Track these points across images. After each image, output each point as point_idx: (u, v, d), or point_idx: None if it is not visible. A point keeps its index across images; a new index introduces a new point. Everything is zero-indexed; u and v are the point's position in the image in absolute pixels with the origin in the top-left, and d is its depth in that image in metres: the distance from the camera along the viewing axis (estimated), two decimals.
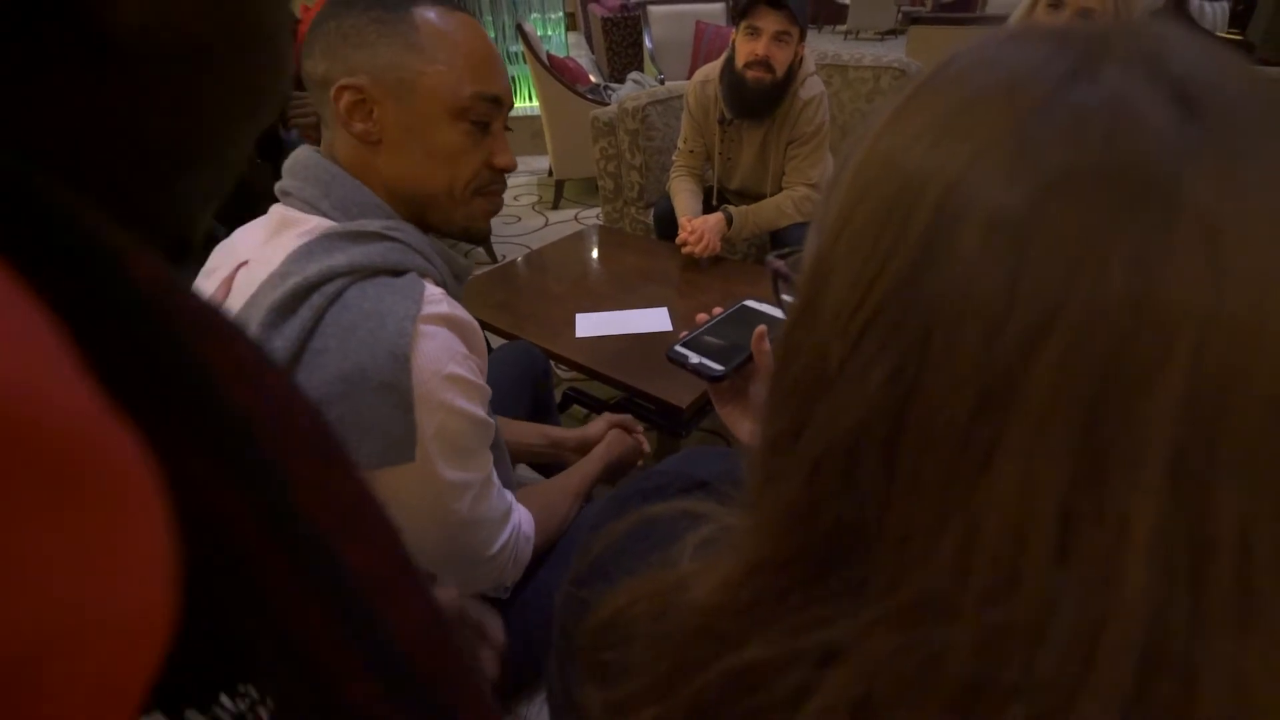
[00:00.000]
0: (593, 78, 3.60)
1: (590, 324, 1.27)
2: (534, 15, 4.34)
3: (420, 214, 0.61)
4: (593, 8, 4.95)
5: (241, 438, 0.13)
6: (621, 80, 3.61)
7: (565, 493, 0.79)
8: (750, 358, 0.52)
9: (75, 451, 0.09)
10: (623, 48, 4.46)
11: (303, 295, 0.50)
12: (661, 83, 3.30)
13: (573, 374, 1.25)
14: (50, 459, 0.08)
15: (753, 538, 0.23)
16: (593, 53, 5.32)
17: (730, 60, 1.48)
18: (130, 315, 0.11)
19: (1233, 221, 0.16)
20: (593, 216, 2.96)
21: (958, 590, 0.18)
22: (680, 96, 2.04)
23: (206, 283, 0.60)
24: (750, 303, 0.59)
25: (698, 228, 1.47)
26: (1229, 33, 4.73)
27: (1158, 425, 0.16)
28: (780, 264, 0.35)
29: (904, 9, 8.65)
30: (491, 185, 0.63)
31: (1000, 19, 3.35)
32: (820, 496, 0.20)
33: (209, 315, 0.14)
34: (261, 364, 0.15)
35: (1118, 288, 0.16)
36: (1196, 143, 0.16)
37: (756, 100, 1.46)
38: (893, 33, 8.48)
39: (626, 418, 0.98)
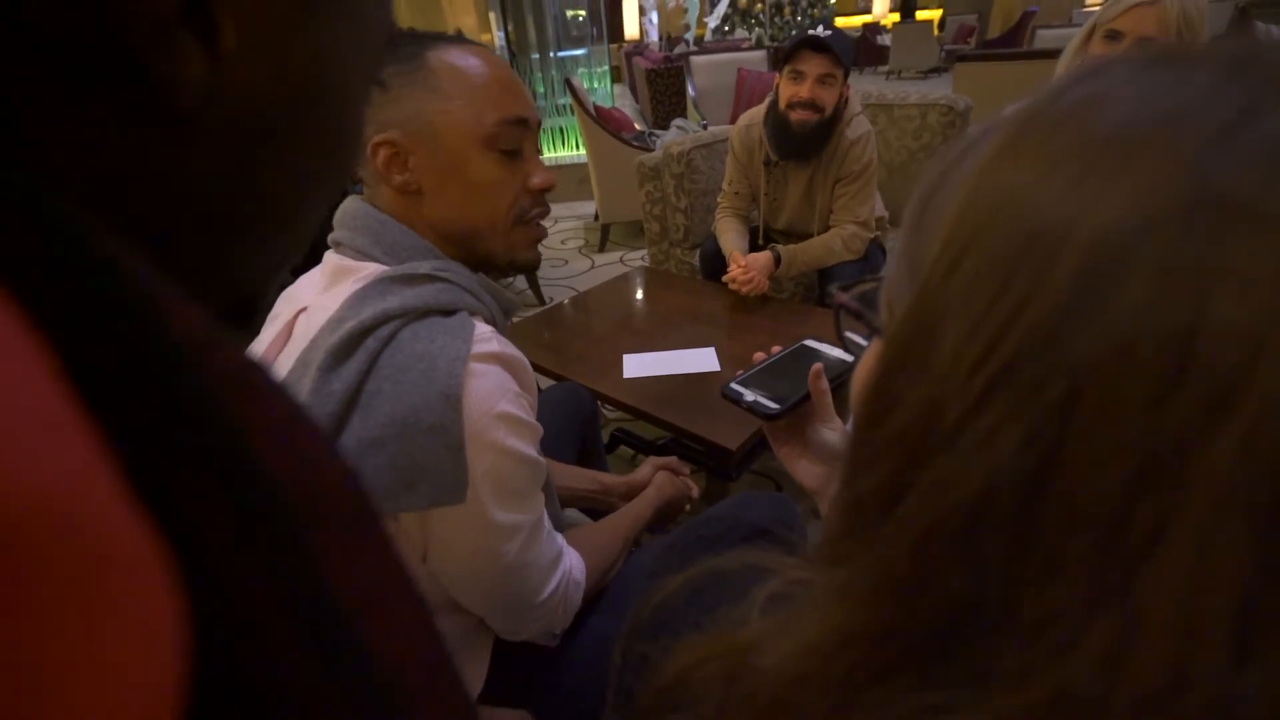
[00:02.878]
0: (637, 125, 3.72)
1: (638, 364, 1.26)
2: (581, 70, 4.54)
3: (469, 253, 0.61)
4: (637, 60, 5.16)
5: (270, 506, 0.13)
6: (665, 127, 3.71)
7: (615, 536, 0.77)
8: (807, 397, 0.51)
9: (100, 565, 0.09)
10: (666, 96, 4.60)
11: (357, 339, 0.52)
12: (705, 127, 3.37)
13: (619, 414, 1.24)
14: (76, 571, 0.08)
15: (842, 604, 0.20)
16: (637, 102, 5.52)
17: (774, 103, 1.51)
18: (164, 366, 0.11)
19: None
20: (638, 259, 3.01)
21: (1108, 690, 0.15)
22: (724, 140, 2.07)
23: (268, 329, 0.62)
24: (810, 342, 0.58)
25: (748, 265, 1.47)
26: None
27: None
28: (845, 298, 0.33)
29: (947, 47, 8.66)
30: (533, 211, 0.63)
31: (1051, 54, 3.29)
32: (929, 567, 0.18)
33: (249, 373, 0.14)
34: (299, 425, 0.14)
35: None
36: None
37: (802, 141, 1.48)
38: (935, 71, 8.49)
39: (673, 460, 0.97)
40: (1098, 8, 1.24)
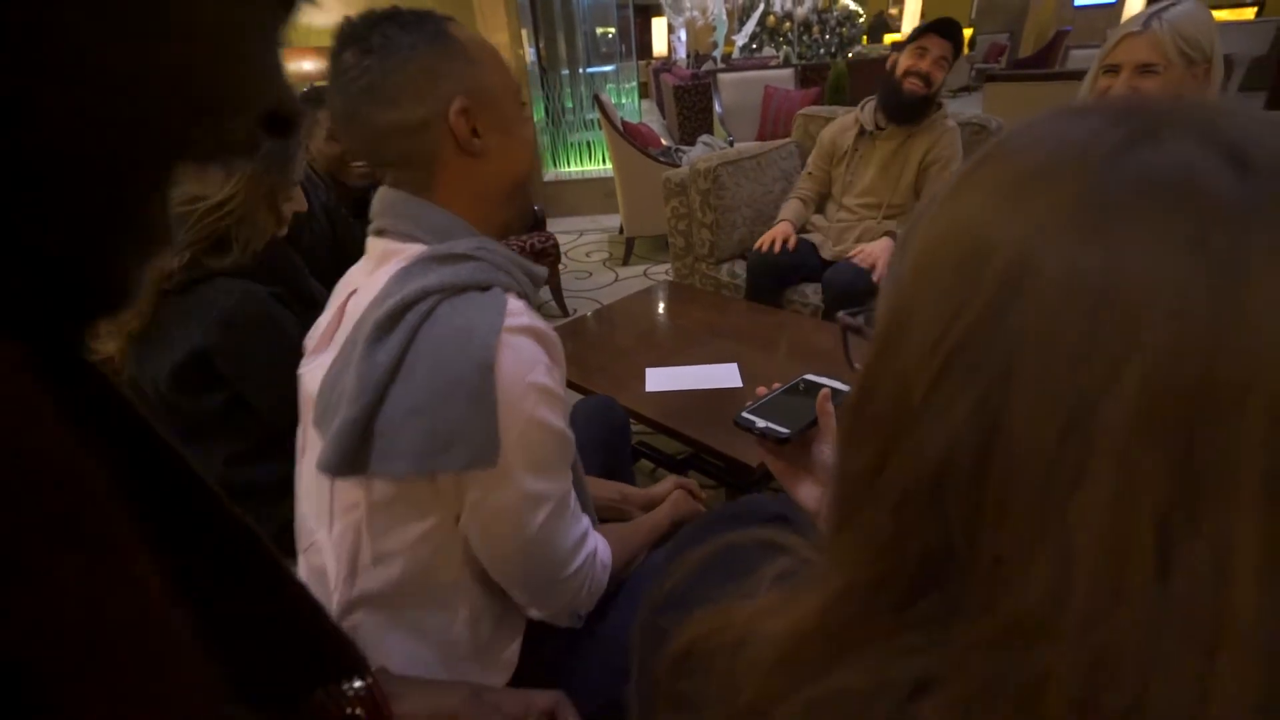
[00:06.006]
0: (664, 141, 3.75)
1: (661, 378, 1.27)
2: (610, 85, 4.61)
3: (503, 213, 0.66)
4: (665, 77, 5.21)
5: None
6: (692, 143, 3.74)
7: (637, 532, 0.80)
8: (814, 423, 0.55)
9: None
10: (693, 113, 4.64)
11: (399, 314, 0.55)
12: (731, 144, 3.39)
13: (640, 428, 1.25)
14: None
15: (837, 566, 0.24)
16: (664, 118, 5.57)
17: (890, 76, 1.75)
18: None
19: None
20: (662, 272, 3.02)
21: (1057, 611, 0.18)
22: (751, 157, 2.09)
23: (325, 313, 0.67)
24: (810, 376, 0.62)
25: (871, 252, 1.73)
26: None
27: (1248, 445, 0.17)
28: (850, 319, 0.37)
29: (978, 66, 8.60)
30: None
31: (1078, 74, 3.26)
32: (907, 525, 0.21)
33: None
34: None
35: (1196, 316, 0.17)
36: (1255, 194, 0.18)
37: (910, 105, 1.72)
38: (966, 89, 8.42)
39: (691, 483, 0.98)
40: None
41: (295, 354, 0.91)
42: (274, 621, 0.29)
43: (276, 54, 0.22)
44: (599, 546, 0.68)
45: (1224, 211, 0.18)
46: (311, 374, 0.63)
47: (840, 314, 0.36)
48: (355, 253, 0.81)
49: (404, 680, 0.42)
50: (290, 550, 0.76)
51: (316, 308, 1.09)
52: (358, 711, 0.31)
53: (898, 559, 0.22)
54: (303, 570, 0.66)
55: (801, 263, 1.84)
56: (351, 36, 0.57)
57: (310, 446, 0.64)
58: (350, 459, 0.55)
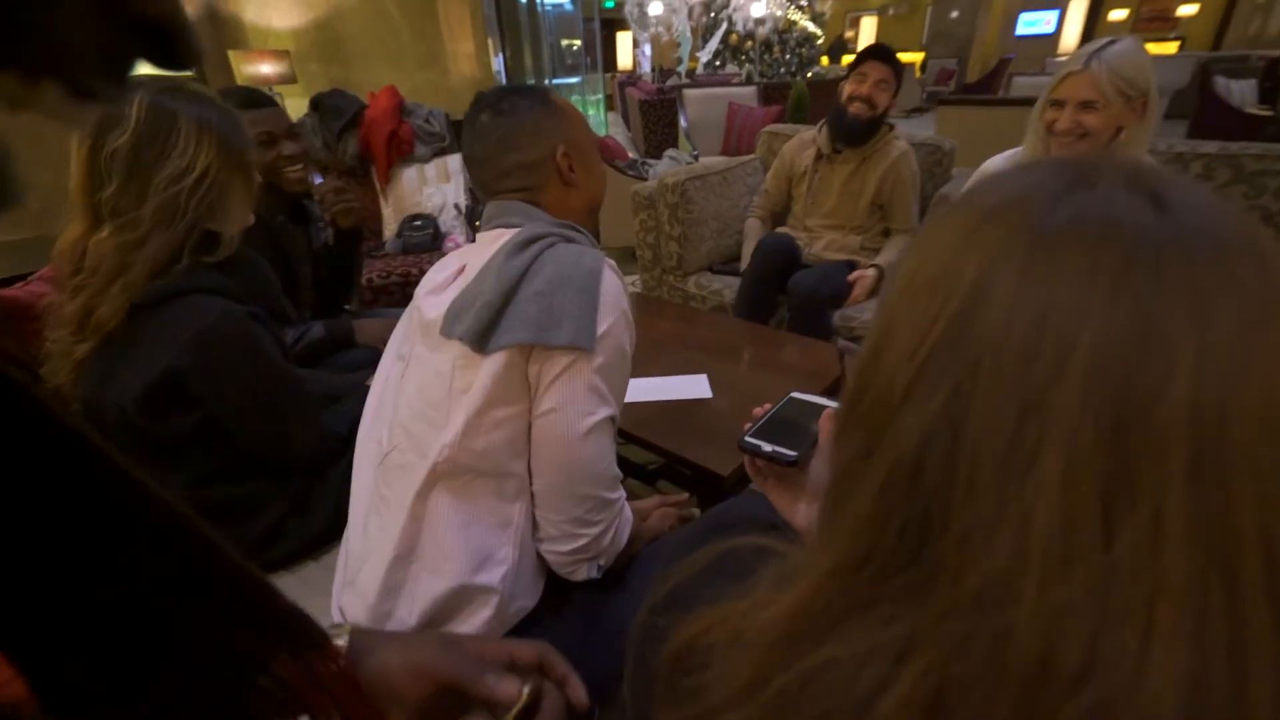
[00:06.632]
0: (630, 154, 3.79)
1: (631, 389, 1.28)
2: (575, 97, 4.63)
3: (591, 228, 0.86)
4: (631, 91, 5.27)
5: None
6: (658, 156, 3.78)
7: (638, 520, 0.86)
8: (815, 442, 0.55)
9: None
10: (659, 127, 4.71)
11: (529, 242, 0.73)
12: (696, 158, 3.45)
13: None
14: None
15: (826, 547, 0.26)
16: (629, 130, 5.62)
17: (837, 103, 1.86)
18: None
19: (1206, 275, 0.21)
20: (629, 283, 3.04)
21: (1018, 573, 0.21)
22: (717, 172, 2.14)
23: (437, 274, 0.81)
24: (796, 394, 0.64)
25: (860, 278, 1.82)
26: (1259, 108, 4.77)
27: (1173, 429, 0.20)
28: (847, 344, 0.39)
29: (929, 89, 8.98)
30: None
31: (1022, 102, 3.44)
32: (891, 504, 0.24)
33: None
34: None
35: (1122, 328, 0.21)
36: (1171, 226, 0.22)
37: (856, 129, 1.82)
38: (918, 110, 8.78)
39: (680, 498, 1.00)
40: (1067, 56, 1.32)
41: (274, 376, 0.88)
42: (233, 607, 0.30)
43: None
44: (625, 505, 0.79)
45: (1145, 243, 0.22)
46: (432, 306, 0.77)
47: (840, 341, 0.39)
48: (301, 261, 0.80)
49: (376, 634, 0.43)
50: (264, 561, 0.72)
51: (288, 323, 1.05)
52: (326, 676, 0.33)
53: (880, 536, 0.25)
54: (375, 473, 0.77)
55: (797, 256, 1.92)
56: (487, 103, 0.81)
57: (417, 361, 0.77)
58: (483, 331, 0.69)
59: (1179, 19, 10.03)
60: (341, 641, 0.40)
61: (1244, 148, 1.60)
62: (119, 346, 0.79)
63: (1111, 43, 1.17)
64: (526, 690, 0.42)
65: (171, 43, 0.19)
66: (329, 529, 0.95)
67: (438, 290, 0.79)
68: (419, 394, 0.75)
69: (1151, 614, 0.19)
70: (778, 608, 0.26)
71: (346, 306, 1.63)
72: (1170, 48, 9.58)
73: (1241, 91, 4.77)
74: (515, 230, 0.77)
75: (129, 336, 0.78)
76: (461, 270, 0.78)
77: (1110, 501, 0.20)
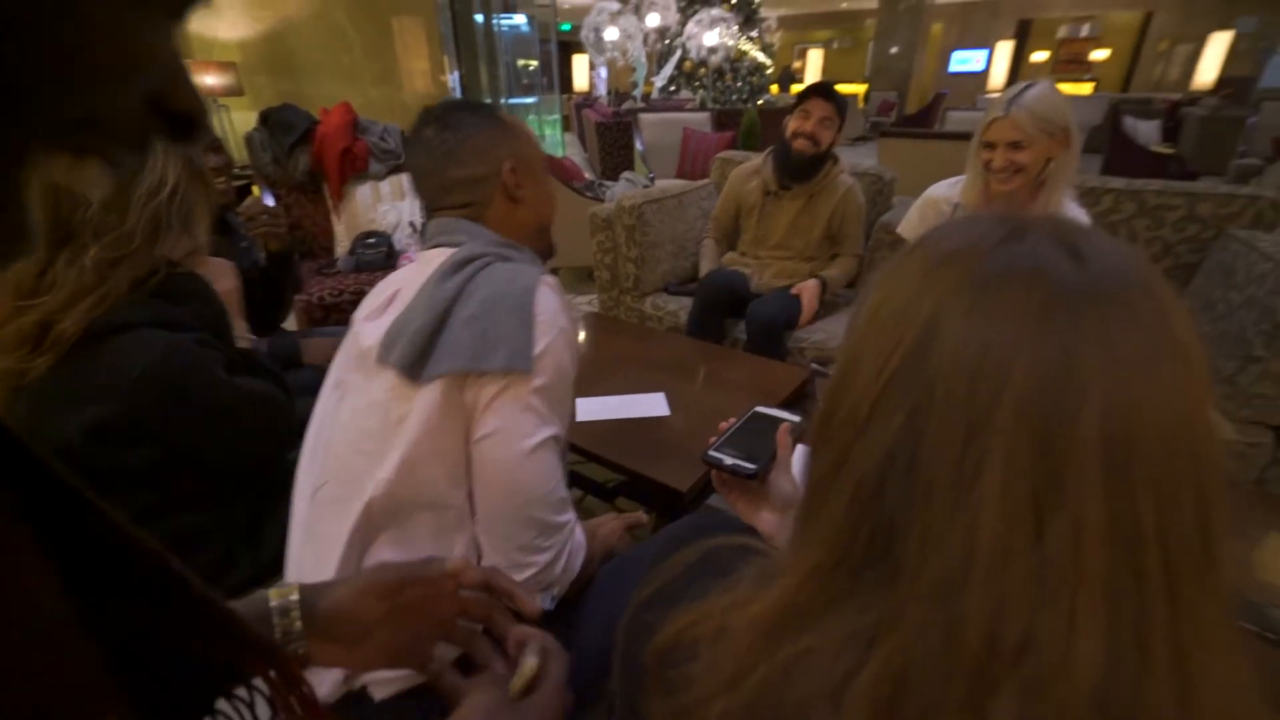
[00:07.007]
0: (587, 175, 3.83)
1: (590, 408, 1.30)
2: (531, 117, 4.66)
3: (534, 248, 0.84)
4: (587, 113, 5.34)
5: None
6: (615, 178, 3.84)
7: (593, 541, 0.84)
8: (774, 455, 0.59)
9: None
10: (615, 149, 4.78)
11: (463, 263, 0.72)
12: (652, 180, 3.52)
13: (572, 456, 1.26)
14: None
15: (805, 550, 0.30)
16: (585, 152, 5.68)
17: (781, 139, 1.90)
18: None
19: (1113, 317, 0.25)
20: (586, 303, 3.06)
21: (967, 568, 0.24)
22: (674, 195, 2.20)
23: (372, 300, 0.80)
24: (760, 409, 0.68)
25: (804, 290, 1.88)
26: (1162, 147, 5.23)
27: (1089, 445, 0.24)
28: (819, 368, 0.43)
29: (872, 119, 9.43)
30: None
31: (957, 136, 3.66)
32: (859, 512, 0.28)
33: None
34: None
35: (1047, 360, 0.25)
36: (1085, 275, 0.26)
37: (800, 166, 1.87)
38: (862, 139, 9.20)
39: (633, 518, 1.00)
40: (997, 93, 1.44)
41: (232, 394, 0.87)
42: (187, 630, 0.31)
43: (167, 37, 0.20)
44: (577, 528, 0.76)
45: (1065, 288, 0.26)
46: (368, 332, 0.74)
47: (813, 365, 0.44)
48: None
49: (323, 583, 0.45)
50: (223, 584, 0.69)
51: (234, 343, 1.02)
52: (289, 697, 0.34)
53: (853, 540, 0.28)
54: (309, 508, 0.73)
55: (743, 290, 1.95)
56: (433, 117, 0.80)
57: (353, 389, 0.74)
58: (415, 359, 0.67)
59: (1092, 63, 10.94)
60: (294, 597, 0.43)
61: (1146, 184, 1.77)
62: (61, 377, 0.76)
63: (1028, 87, 1.28)
64: (533, 661, 0.44)
65: (192, 127, 0.22)
66: (282, 557, 0.93)
67: (374, 315, 0.76)
68: (354, 423, 0.72)
69: (1074, 602, 0.23)
70: (761, 604, 0.30)
71: (281, 325, 1.59)
72: (1086, 88, 10.40)
73: (1147, 131, 5.22)
74: (454, 250, 0.76)
75: (70, 370, 0.76)
76: (398, 294, 0.76)
77: (1041, 506, 0.24)
